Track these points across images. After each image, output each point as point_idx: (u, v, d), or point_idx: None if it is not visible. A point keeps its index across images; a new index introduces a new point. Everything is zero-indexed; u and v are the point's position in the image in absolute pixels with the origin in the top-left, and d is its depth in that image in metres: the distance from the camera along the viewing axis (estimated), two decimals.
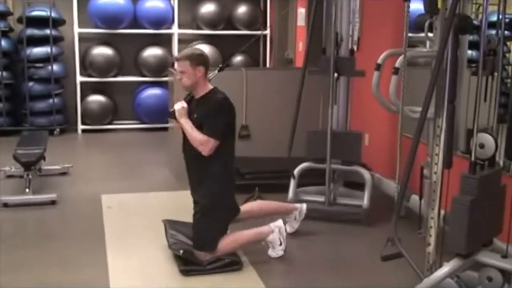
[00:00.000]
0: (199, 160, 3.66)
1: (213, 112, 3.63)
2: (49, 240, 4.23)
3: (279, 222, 3.96)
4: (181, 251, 3.72)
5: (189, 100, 3.79)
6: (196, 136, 3.61)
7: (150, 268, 3.76)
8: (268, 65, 8.79)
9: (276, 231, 3.90)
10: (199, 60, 3.66)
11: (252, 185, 5.05)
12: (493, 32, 3.40)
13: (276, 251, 3.91)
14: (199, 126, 3.63)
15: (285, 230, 3.99)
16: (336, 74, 4.62)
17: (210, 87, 3.72)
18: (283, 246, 3.90)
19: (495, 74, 3.22)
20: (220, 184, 3.73)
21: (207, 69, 3.70)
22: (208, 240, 3.70)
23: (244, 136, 5.71)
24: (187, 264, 3.68)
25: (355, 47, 5.22)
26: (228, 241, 3.75)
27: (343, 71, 4.66)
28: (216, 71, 4.01)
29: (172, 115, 3.73)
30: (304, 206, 4.34)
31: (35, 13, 7.80)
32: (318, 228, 4.48)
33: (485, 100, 3.25)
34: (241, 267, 3.72)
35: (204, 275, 3.62)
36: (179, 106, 3.71)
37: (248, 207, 4.13)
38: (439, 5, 3.27)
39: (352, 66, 4.70)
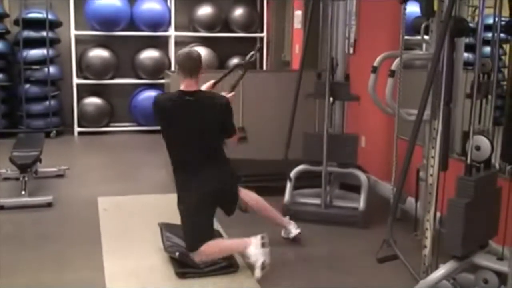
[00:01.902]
0: None
1: None
2: (45, 242, 4.23)
3: (258, 238, 3.66)
4: (177, 253, 3.72)
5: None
6: None
7: (146, 270, 3.75)
8: (264, 67, 8.80)
9: (254, 245, 3.63)
10: None
11: (249, 188, 5.02)
12: (489, 34, 3.42)
13: (255, 272, 3.60)
14: None
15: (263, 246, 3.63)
16: (331, 99, 4.70)
17: None
18: (259, 264, 3.58)
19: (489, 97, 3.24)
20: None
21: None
22: (189, 241, 3.71)
23: (240, 138, 5.70)
24: (183, 267, 3.67)
25: (351, 50, 5.23)
26: (212, 247, 3.67)
27: (338, 96, 4.76)
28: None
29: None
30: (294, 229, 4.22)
31: (32, 15, 7.80)
32: (314, 231, 4.48)
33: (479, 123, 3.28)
34: (237, 269, 3.72)
35: (200, 278, 3.61)
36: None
37: (246, 196, 4.14)
38: (435, 8, 3.28)
39: (347, 91, 4.81)
